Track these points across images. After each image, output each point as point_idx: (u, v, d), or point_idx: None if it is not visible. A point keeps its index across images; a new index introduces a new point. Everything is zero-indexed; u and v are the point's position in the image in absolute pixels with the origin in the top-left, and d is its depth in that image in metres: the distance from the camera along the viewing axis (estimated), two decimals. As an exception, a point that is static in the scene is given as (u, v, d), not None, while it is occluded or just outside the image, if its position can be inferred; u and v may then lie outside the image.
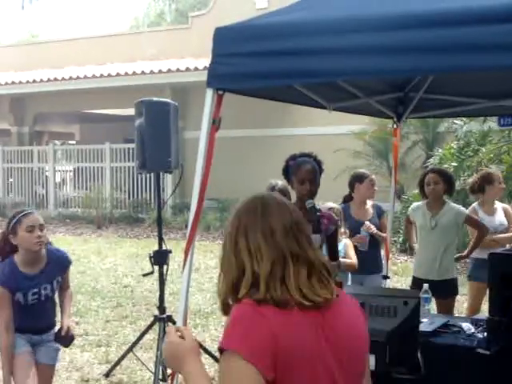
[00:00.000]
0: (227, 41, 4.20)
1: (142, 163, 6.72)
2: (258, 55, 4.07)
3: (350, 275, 6.43)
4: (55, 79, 20.69)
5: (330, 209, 6.16)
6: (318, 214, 5.06)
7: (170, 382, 4.82)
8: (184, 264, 4.41)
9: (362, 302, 3.36)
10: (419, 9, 3.79)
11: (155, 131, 6.62)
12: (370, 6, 4.08)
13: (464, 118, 13.09)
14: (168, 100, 6.83)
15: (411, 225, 7.14)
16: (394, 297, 3.56)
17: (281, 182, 6.07)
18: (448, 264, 6.72)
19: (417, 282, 6.61)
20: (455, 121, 13.79)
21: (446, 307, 6.41)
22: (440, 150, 13.74)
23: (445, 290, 6.46)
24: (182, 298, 4.48)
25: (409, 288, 7.02)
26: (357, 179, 7.04)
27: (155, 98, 6.83)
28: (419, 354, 3.59)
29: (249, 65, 4.11)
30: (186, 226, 16.30)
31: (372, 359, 3.27)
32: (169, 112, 6.71)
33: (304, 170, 5.11)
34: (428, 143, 16.21)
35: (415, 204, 7.09)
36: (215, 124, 4.32)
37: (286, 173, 5.30)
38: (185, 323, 4.45)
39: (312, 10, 4.20)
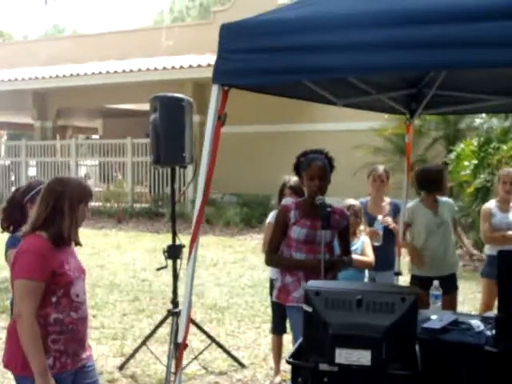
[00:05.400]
0: (233, 37, 4.21)
1: (156, 158, 6.76)
2: (265, 51, 4.07)
3: (366, 272, 6.41)
4: (77, 74, 20.80)
5: (349, 206, 6.16)
6: (329, 209, 5.04)
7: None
8: (188, 259, 4.44)
9: (359, 298, 3.38)
10: (432, 4, 3.77)
11: (169, 126, 6.65)
12: (380, 0, 4.06)
13: (484, 115, 13.00)
14: (182, 96, 6.84)
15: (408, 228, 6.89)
16: (391, 293, 3.55)
17: (294, 178, 6.05)
18: (454, 258, 6.79)
19: (420, 280, 6.52)
20: (476, 118, 13.70)
21: (450, 302, 6.38)
22: (462, 146, 13.64)
23: (449, 286, 6.44)
24: (186, 293, 4.49)
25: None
26: (367, 175, 7.04)
27: (170, 94, 6.86)
28: (417, 351, 3.59)
29: (255, 61, 4.11)
30: (207, 221, 16.27)
31: (368, 355, 3.30)
32: (183, 107, 6.74)
33: (314, 167, 5.11)
34: (449, 140, 16.11)
35: (410, 205, 6.87)
36: (221, 120, 4.34)
37: (297, 169, 5.31)
38: (188, 318, 4.47)
39: (321, 4, 4.18)
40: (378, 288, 4.16)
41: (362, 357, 3.28)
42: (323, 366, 3.41)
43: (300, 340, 3.79)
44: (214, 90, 4.29)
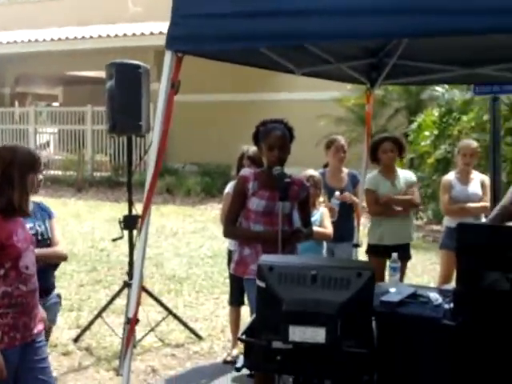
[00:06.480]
0: (187, 1, 4.08)
1: (112, 126, 6.66)
2: (219, 16, 3.93)
3: (325, 244, 6.36)
4: (36, 40, 20.42)
5: (310, 177, 6.07)
6: (288, 180, 4.93)
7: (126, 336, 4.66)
8: (140, 231, 4.32)
9: (314, 274, 3.28)
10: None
11: (126, 94, 6.54)
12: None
13: (446, 85, 12.99)
14: (139, 62, 6.69)
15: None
16: (347, 268, 3.46)
17: (252, 148, 5.94)
18: (409, 229, 6.95)
19: (375, 249, 6.82)
20: (437, 88, 13.70)
21: (403, 270, 6.45)
22: (422, 116, 13.66)
23: (402, 255, 6.50)
24: (136, 266, 4.37)
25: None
26: (326, 146, 6.98)
27: (126, 60, 6.72)
28: (374, 328, 3.53)
29: (209, 26, 3.97)
30: (167, 190, 16.15)
31: (322, 332, 3.22)
32: (140, 75, 6.61)
33: (273, 136, 5.00)
34: (410, 110, 16.14)
35: (371, 176, 6.97)
36: (174, 88, 4.20)
37: (256, 139, 5.20)
38: (139, 291, 4.35)
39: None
40: (334, 263, 4.09)
41: (316, 334, 3.19)
42: (276, 344, 3.31)
43: (253, 316, 3.71)
44: (167, 56, 4.14)
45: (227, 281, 6.90)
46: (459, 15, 3.47)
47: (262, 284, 3.40)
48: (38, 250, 4.16)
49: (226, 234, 5.37)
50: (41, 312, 4.03)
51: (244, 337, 3.57)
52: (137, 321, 4.34)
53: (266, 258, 3.60)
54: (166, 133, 4.25)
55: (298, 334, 3.21)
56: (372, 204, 6.88)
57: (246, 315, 6.71)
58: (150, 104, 6.80)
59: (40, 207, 4.79)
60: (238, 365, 3.60)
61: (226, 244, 6.85)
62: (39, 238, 4.57)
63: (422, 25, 3.59)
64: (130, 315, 4.29)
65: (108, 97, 6.60)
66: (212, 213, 15.57)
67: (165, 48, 4.13)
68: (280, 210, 4.78)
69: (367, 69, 6.66)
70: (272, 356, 3.38)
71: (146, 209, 4.33)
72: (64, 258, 4.84)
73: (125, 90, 6.52)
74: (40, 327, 3.93)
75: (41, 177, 4.51)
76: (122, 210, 13.81)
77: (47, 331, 4.30)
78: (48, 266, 4.71)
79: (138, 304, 4.32)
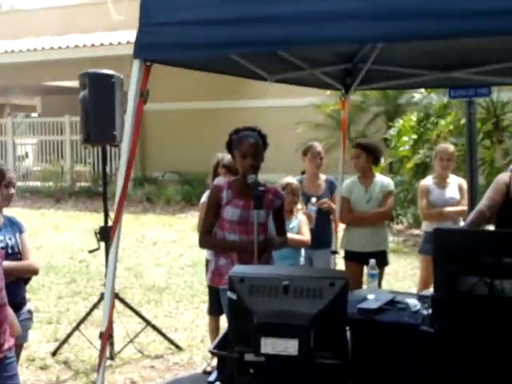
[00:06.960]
0: (155, 9, 4.01)
1: (86, 136, 6.62)
2: (188, 24, 3.88)
3: (303, 251, 6.33)
4: (12, 51, 20.28)
5: (287, 184, 6.06)
6: (262, 188, 4.89)
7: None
8: (111, 242, 4.25)
9: (286, 284, 3.22)
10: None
11: (99, 104, 6.50)
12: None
13: (423, 90, 13.02)
14: (112, 72, 6.64)
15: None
16: (319, 278, 3.41)
17: (228, 157, 5.89)
18: (381, 236, 6.84)
19: (351, 256, 6.77)
20: (415, 93, 13.73)
21: (380, 276, 6.43)
22: (400, 121, 13.67)
23: (383, 259, 6.55)
24: (108, 279, 4.29)
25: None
26: (303, 152, 6.94)
27: (99, 70, 6.68)
28: (348, 338, 3.47)
29: (178, 34, 3.92)
30: (147, 199, 16.05)
31: (295, 344, 3.17)
32: (113, 84, 6.56)
33: (246, 144, 4.96)
34: (389, 115, 16.15)
35: (348, 181, 6.95)
36: (143, 96, 4.14)
37: (229, 147, 5.15)
38: (111, 305, 4.28)
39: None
40: (306, 272, 4.02)
41: (288, 346, 3.13)
42: (249, 357, 3.26)
43: (226, 329, 3.65)
44: (135, 65, 4.09)
45: (207, 290, 6.85)
46: (431, 19, 3.46)
47: (233, 296, 3.34)
48: (7, 263, 4.08)
49: (202, 245, 5.31)
50: (15, 325, 3.94)
51: (216, 350, 3.51)
52: (110, 335, 4.27)
53: (238, 270, 3.54)
54: (136, 141, 4.20)
55: (270, 346, 3.15)
56: (344, 212, 6.85)
57: (226, 325, 6.66)
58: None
59: (11, 221, 4.73)
60: (211, 378, 3.54)
61: (205, 252, 6.80)
62: (9, 251, 4.50)
63: (395, 30, 3.57)
64: (102, 329, 4.22)
65: (81, 107, 6.56)
66: (192, 221, 15.47)
67: (133, 57, 4.09)
68: (255, 219, 4.73)
69: (341, 74, 6.64)
70: (245, 369, 3.32)
71: (117, 220, 4.26)
72: (35, 271, 4.76)
73: (98, 100, 6.49)
74: (11, 342, 3.85)
75: (12, 190, 4.47)
76: (101, 220, 13.71)
77: (17, 348, 4.20)
78: (19, 280, 4.63)
79: (111, 316, 4.25)
